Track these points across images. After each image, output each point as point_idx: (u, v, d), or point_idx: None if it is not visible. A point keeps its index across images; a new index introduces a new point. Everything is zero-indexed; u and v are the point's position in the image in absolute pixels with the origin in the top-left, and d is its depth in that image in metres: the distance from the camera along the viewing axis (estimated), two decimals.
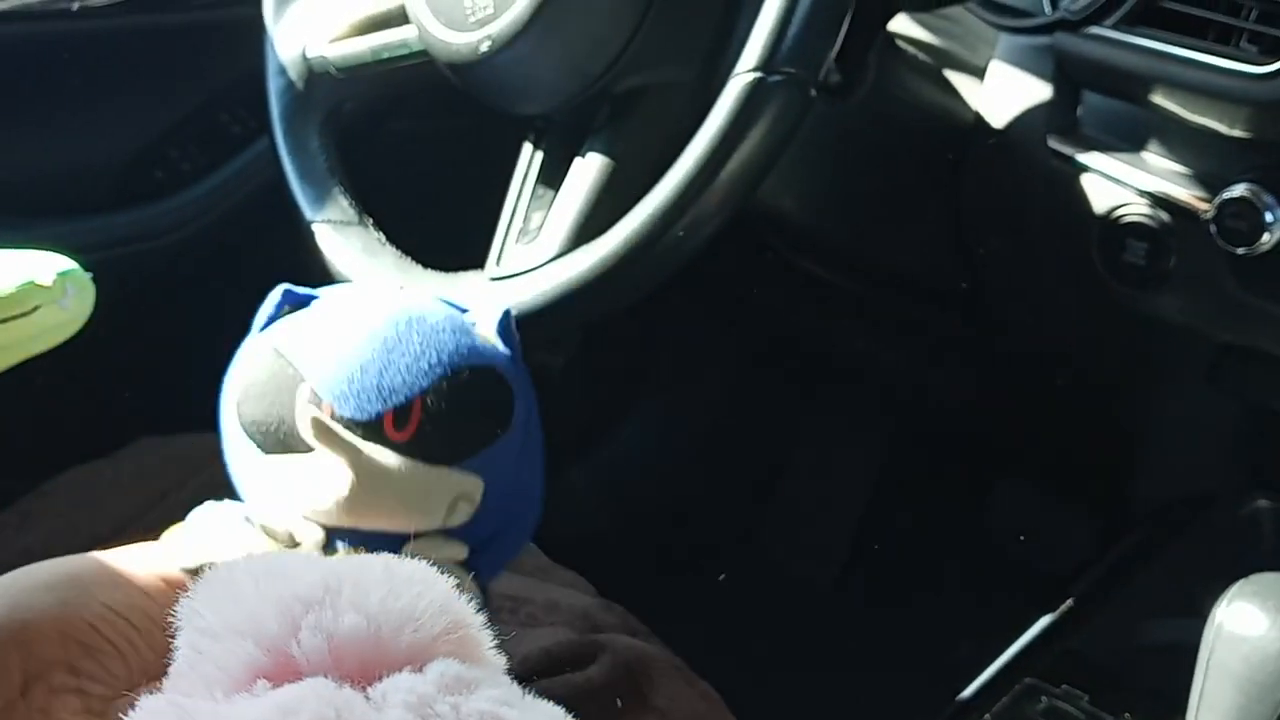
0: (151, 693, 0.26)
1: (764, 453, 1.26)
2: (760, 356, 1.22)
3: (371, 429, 0.54)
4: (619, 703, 0.79)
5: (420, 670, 0.26)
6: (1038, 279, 0.85)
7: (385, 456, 0.53)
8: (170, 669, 0.27)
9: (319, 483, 0.51)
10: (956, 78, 0.87)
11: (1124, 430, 0.97)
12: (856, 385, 1.22)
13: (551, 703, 0.27)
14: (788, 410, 1.26)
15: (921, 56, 0.89)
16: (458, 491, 0.57)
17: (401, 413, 0.54)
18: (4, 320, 0.66)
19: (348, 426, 0.53)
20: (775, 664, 1.05)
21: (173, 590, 0.38)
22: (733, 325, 1.23)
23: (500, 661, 0.28)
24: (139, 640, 0.31)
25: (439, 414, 0.56)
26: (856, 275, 1.00)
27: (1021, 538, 1.09)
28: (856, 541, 1.23)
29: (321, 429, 0.51)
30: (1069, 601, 0.86)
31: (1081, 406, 0.97)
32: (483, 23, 0.69)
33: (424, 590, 0.27)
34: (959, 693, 0.79)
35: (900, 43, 0.88)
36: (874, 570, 1.20)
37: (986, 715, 0.75)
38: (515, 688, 0.27)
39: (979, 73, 0.85)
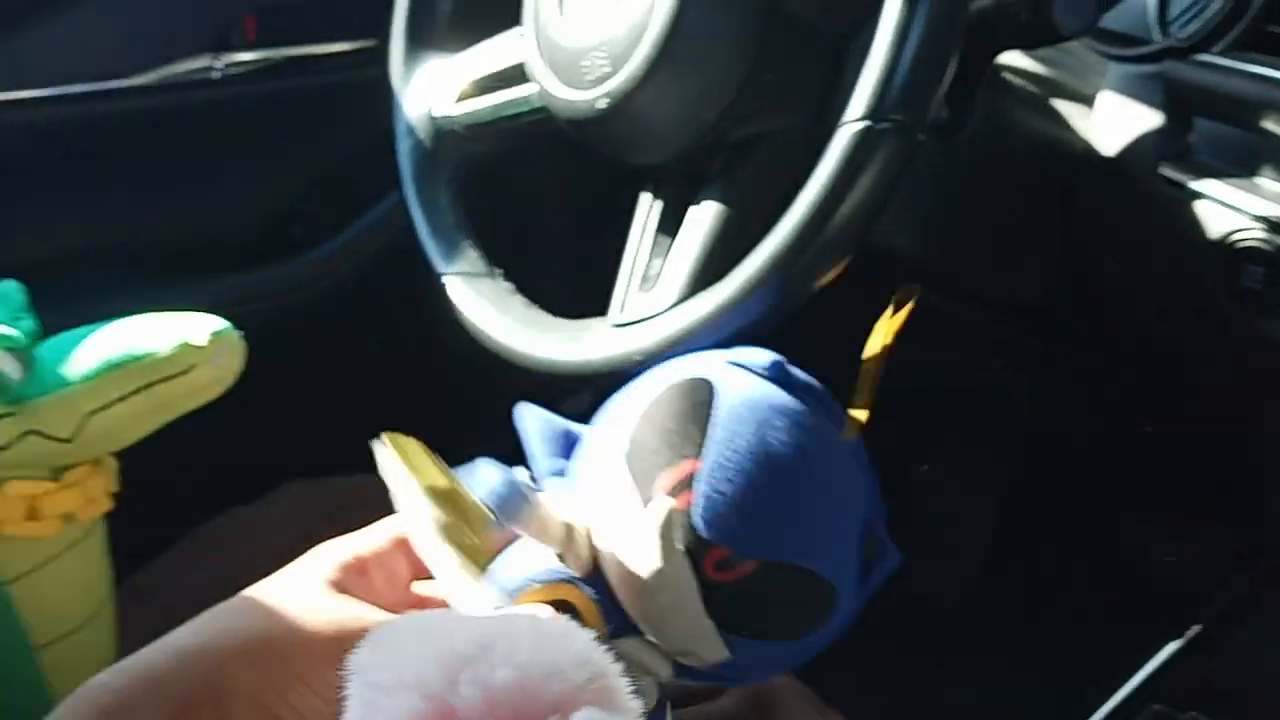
0: None
1: (892, 478, 1.26)
2: (885, 390, 1.23)
3: (698, 550, 0.54)
4: None
5: (565, 718, 0.29)
6: (1155, 307, 0.85)
7: (687, 585, 0.54)
8: (344, 718, 0.30)
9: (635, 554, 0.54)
10: (1065, 106, 0.87)
11: (1253, 455, 0.96)
12: (982, 416, 1.22)
13: None
14: (914, 439, 1.26)
15: (1029, 87, 0.89)
16: (722, 656, 0.57)
17: (729, 562, 0.54)
18: (163, 380, 0.71)
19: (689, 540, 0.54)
20: (905, 688, 1.05)
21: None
22: (854, 360, 1.23)
23: (637, 707, 0.31)
24: (325, 710, 0.34)
25: (761, 590, 0.55)
26: (973, 307, 1.00)
27: (1164, 559, 1.08)
28: (986, 563, 1.23)
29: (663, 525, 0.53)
30: (1199, 626, 0.85)
31: (1208, 432, 0.96)
32: (600, 80, 0.72)
33: (567, 644, 0.30)
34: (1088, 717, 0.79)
35: (1007, 75, 0.88)
36: (1003, 593, 1.19)
37: None
38: None
39: (1088, 101, 0.85)
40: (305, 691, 0.48)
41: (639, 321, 0.73)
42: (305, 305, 1.04)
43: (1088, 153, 0.84)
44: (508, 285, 0.82)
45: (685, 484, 0.55)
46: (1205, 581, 0.95)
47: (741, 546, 0.54)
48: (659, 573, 0.53)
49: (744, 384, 0.60)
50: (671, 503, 0.54)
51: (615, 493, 0.57)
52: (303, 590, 0.53)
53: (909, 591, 1.16)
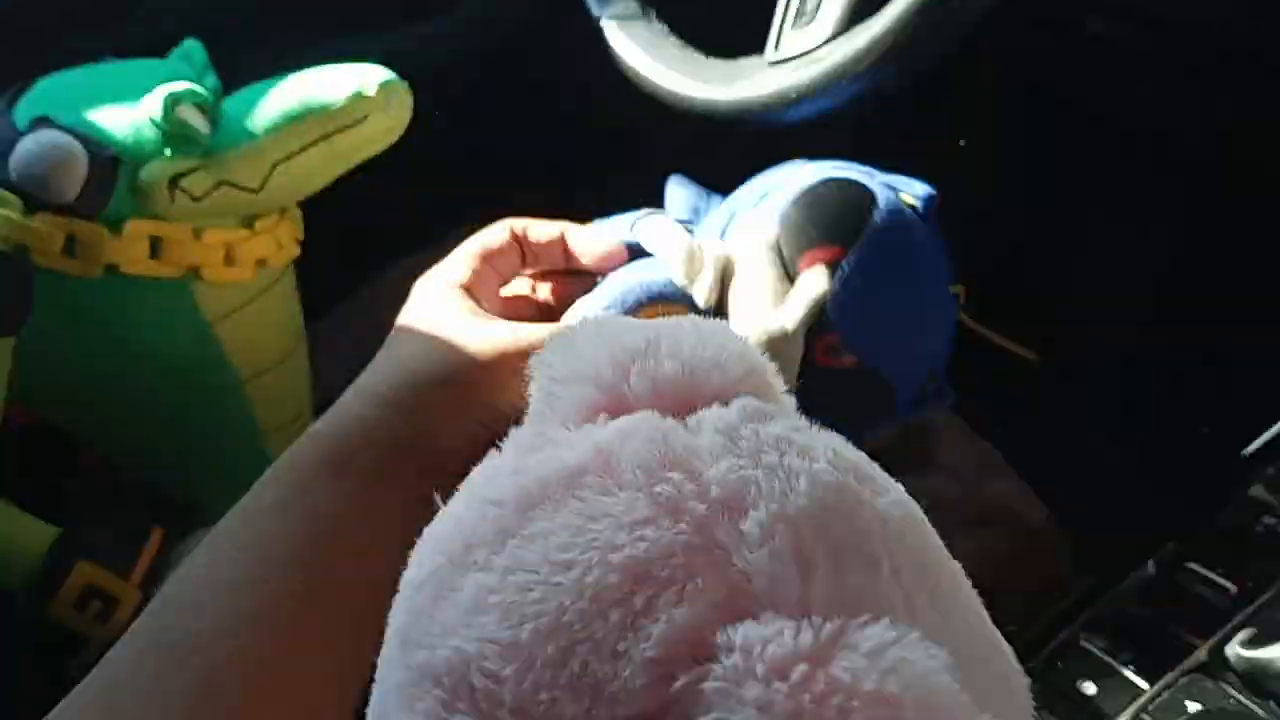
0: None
1: (1052, 222, 1.23)
2: (1049, 129, 1.19)
3: (818, 328, 0.62)
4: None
5: (727, 405, 0.32)
6: None
7: (794, 355, 0.61)
8: (530, 410, 0.34)
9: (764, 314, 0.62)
10: None
11: None
12: (1152, 157, 1.17)
13: (833, 432, 0.32)
14: (1081, 185, 1.22)
15: None
16: None
17: (839, 350, 0.62)
18: (339, 130, 0.75)
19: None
20: (1054, 427, 1.06)
21: None
22: (1019, 96, 1.20)
23: (791, 402, 0.34)
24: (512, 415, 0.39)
25: (845, 386, 0.63)
26: (1146, 32, 0.96)
27: None
28: (1154, 304, 1.20)
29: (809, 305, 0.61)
30: None
31: None
32: None
33: (726, 342, 0.33)
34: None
35: None
36: (1173, 337, 1.17)
37: (1270, 469, 0.75)
38: (804, 419, 0.32)
39: None
40: (492, 405, 0.54)
41: (795, 58, 0.73)
42: (465, 56, 1.05)
43: None
44: (661, 27, 0.83)
45: (829, 267, 0.62)
46: None
47: (856, 348, 0.62)
48: (784, 334, 0.58)
49: (898, 206, 0.65)
50: (826, 276, 0.59)
51: (762, 253, 0.62)
52: (458, 324, 0.58)
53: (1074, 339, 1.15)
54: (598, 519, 0.28)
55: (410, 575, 0.32)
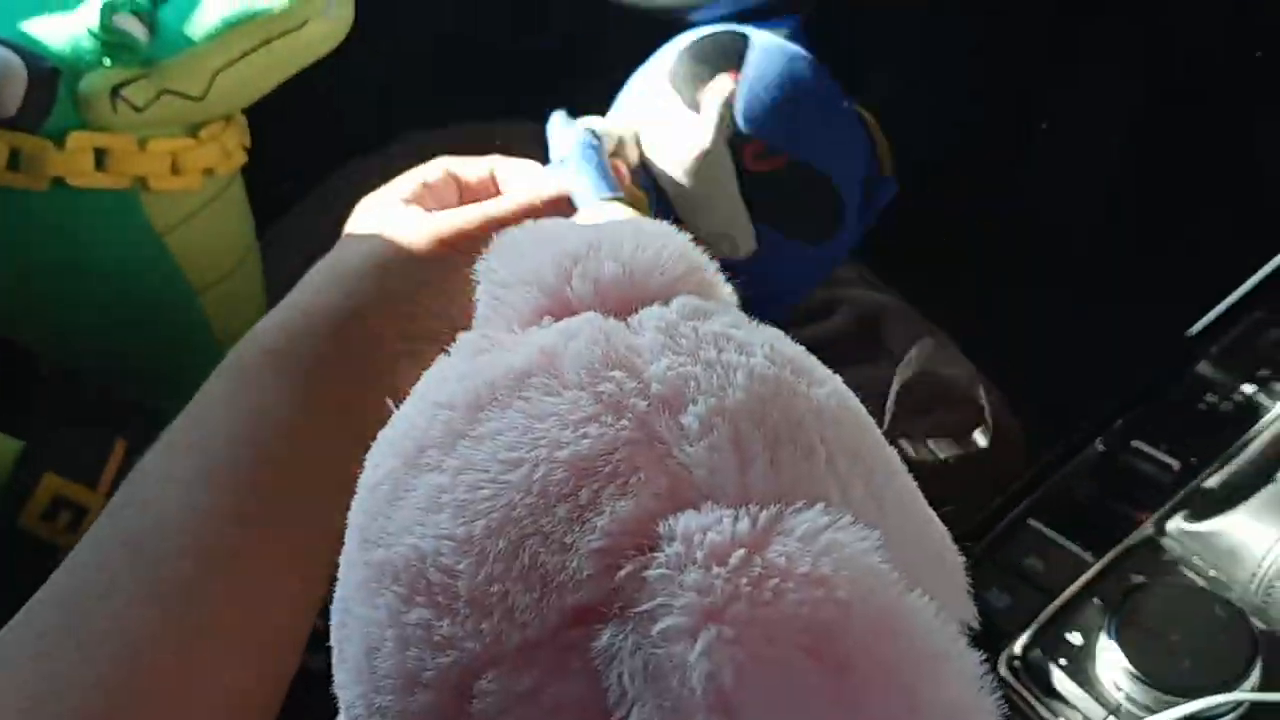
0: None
1: (1019, 98, 1.22)
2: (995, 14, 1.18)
3: (738, 141, 0.67)
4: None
5: (667, 304, 0.32)
6: None
7: (728, 170, 0.66)
8: (475, 314, 0.35)
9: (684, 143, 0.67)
10: None
11: None
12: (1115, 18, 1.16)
13: (772, 327, 0.33)
14: (1042, 50, 1.21)
15: None
16: (751, 247, 0.69)
17: (765, 154, 0.68)
18: (281, 35, 0.74)
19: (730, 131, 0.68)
20: (1012, 311, 1.07)
21: None
22: None
23: (733, 299, 0.35)
24: (457, 314, 0.40)
25: (787, 187, 0.68)
26: None
27: None
28: (1113, 184, 1.20)
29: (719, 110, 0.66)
30: None
31: None
32: None
33: (666, 242, 0.33)
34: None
35: None
36: (1135, 213, 1.17)
37: (1213, 348, 0.77)
38: (744, 315, 0.33)
39: None
40: (438, 301, 0.55)
41: None
42: None
43: None
44: None
45: (727, 90, 0.68)
46: None
47: (775, 140, 0.68)
48: (707, 154, 0.65)
49: (774, 36, 0.72)
50: (728, 85, 0.68)
51: (664, 100, 0.70)
52: (401, 222, 0.59)
53: (1036, 221, 1.16)
54: (543, 418, 0.29)
55: (366, 477, 0.33)
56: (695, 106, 0.69)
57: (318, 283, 0.58)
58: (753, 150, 0.67)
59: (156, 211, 0.76)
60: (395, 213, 0.61)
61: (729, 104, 0.68)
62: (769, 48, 0.70)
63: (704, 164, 0.66)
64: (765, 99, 0.67)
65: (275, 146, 0.83)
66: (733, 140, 0.67)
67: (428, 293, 0.56)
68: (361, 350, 0.55)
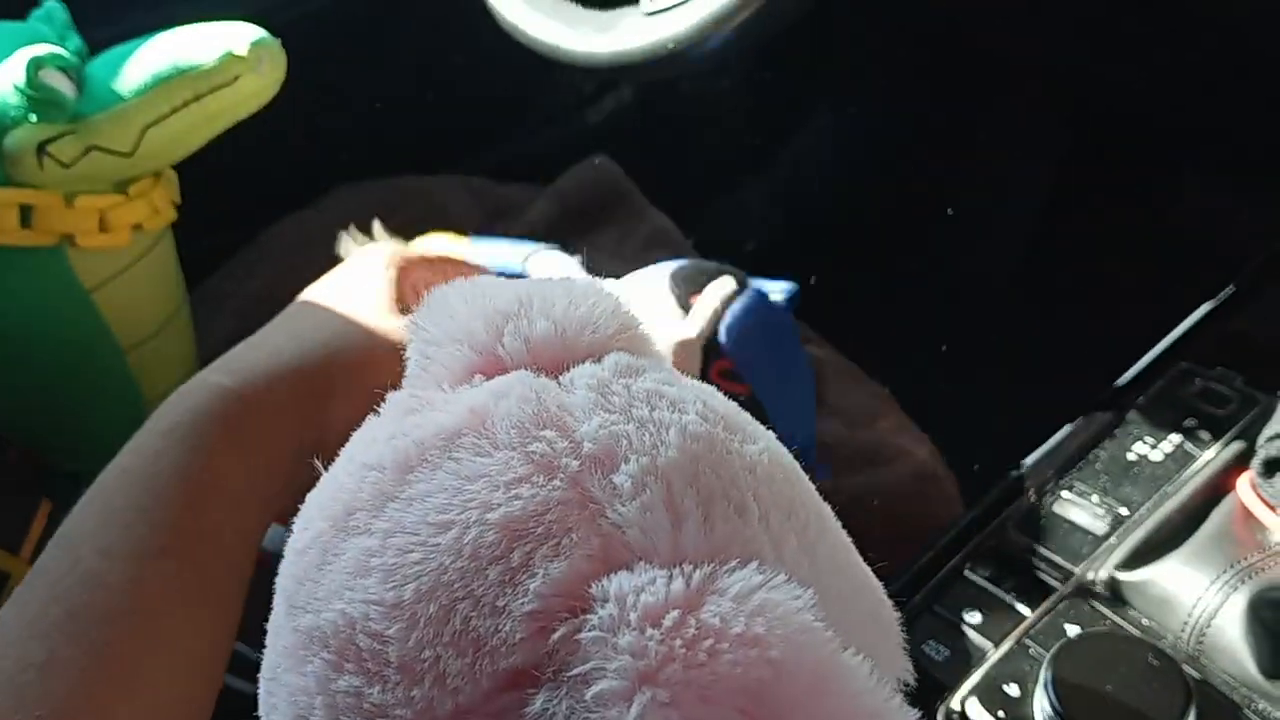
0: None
1: (938, 159, 1.25)
2: (932, 64, 1.20)
3: (712, 350, 0.72)
4: None
5: (599, 361, 0.32)
6: None
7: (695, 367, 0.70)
8: (406, 374, 0.35)
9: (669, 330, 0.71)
10: None
11: None
12: (1033, 89, 1.19)
13: (704, 384, 0.33)
14: (963, 117, 1.24)
15: None
16: None
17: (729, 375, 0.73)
18: (211, 91, 0.73)
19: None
20: (945, 367, 1.09)
21: None
22: (903, 33, 1.21)
23: (666, 355, 0.35)
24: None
25: None
26: None
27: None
28: (1032, 242, 1.23)
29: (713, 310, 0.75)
30: (1231, 286, 0.87)
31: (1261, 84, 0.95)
32: None
33: (599, 300, 0.34)
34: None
35: None
36: (1049, 271, 1.20)
37: (1140, 399, 0.79)
38: (675, 372, 0.33)
39: None
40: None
41: (671, 8, 0.73)
42: (338, 8, 1.03)
43: None
44: None
45: (723, 300, 0.73)
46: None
47: (747, 372, 0.71)
48: (687, 344, 0.67)
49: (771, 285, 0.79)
50: (728, 289, 0.73)
51: (659, 290, 0.75)
52: (365, 298, 0.59)
53: (955, 277, 1.18)
54: (474, 479, 0.29)
55: (294, 541, 0.32)
56: (686, 308, 0.74)
57: (279, 350, 0.57)
58: (720, 369, 0.71)
59: (84, 268, 0.75)
60: (379, 303, 0.62)
61: (719, 314, 0.72)
62: (762, 293, 0.76)
63: (680, 352, 0.68)
64: (748, 330, 0.72)
65: (206, 202, 0.82)
66: (708, 346, 0.71)
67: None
68: (318, 420, 0.54)
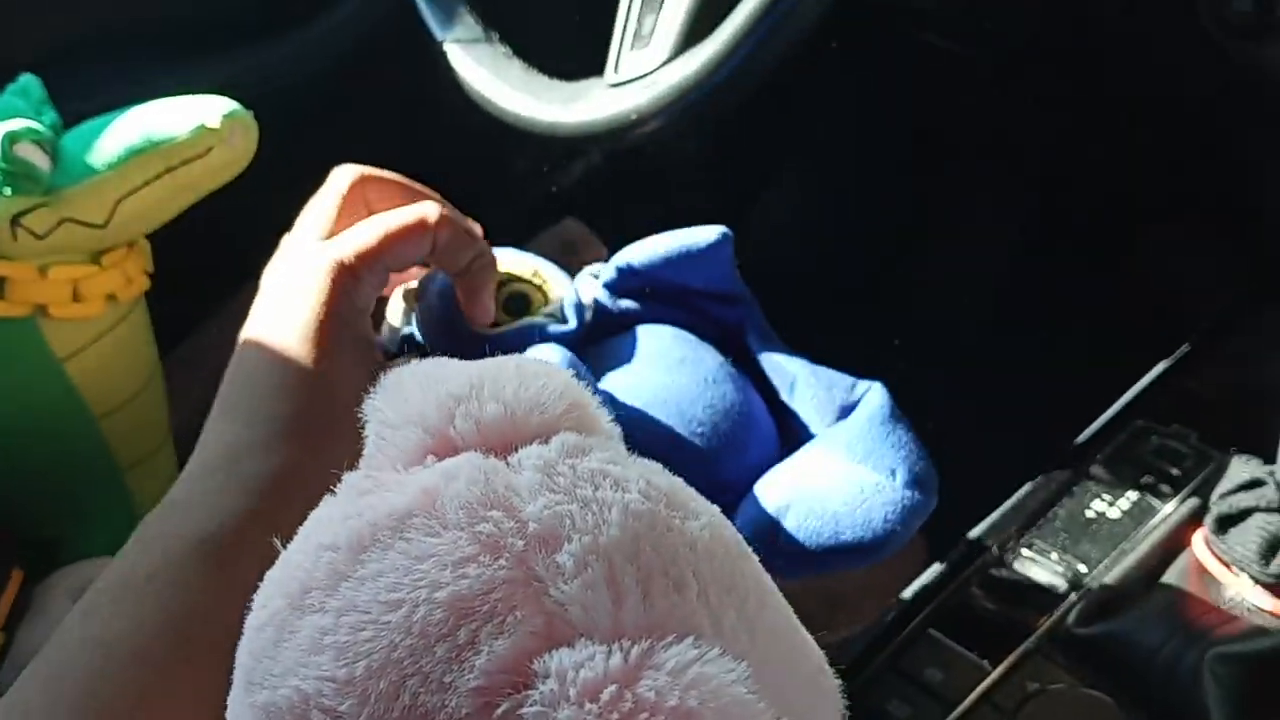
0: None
1: (901, 227, 1.27)
2: (896, 135, 1.23)
3: None
4: None
5: (546, 442, 0.34)
6: (1146, 33, 0.86)
7: None
8: (363, 454, 0.36)
9: None
10: None
11: (1251, 182, 0.97)
12: (992, 160, 1.22)
13: (651, 460, 0.34)
14: (925, 188, 1.26)
15: None
16: None
17: None
18: (184, 163, 0.75)
19: None
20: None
21: None
22: (866, 106, 1.24)
23: (616, 431, 0.36)
24: None
25: None
26: (973, 43, 1.01)
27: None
28: (995, 306, 1.25)
29: None
30: (1186, 345, 0.89)
31: (1210, 161, 0.98)
32: None
33: (548, 381, 0.35)
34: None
35: None
36: (1010, 331, 1.21)
37: (1099, 456, 0.80)
38: (623, 450, 0.34)
39: None
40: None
41: (634, 80, 0.75)
42: (309, 81, 1.05)
43: None
44: (505, 50, 0.84)
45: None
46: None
47: None
48: None
49: None
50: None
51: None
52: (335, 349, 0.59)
53: (919, 336, 1.20)
54: (423, 559, 0.30)
55: (252, 619, 0.33)
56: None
57: (252, 447, 0.57)
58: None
59: (56, 339, 0.76)
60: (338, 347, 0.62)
61: None
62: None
63: None
64: None
65: (179, 268, 0.83)
66: None
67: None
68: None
